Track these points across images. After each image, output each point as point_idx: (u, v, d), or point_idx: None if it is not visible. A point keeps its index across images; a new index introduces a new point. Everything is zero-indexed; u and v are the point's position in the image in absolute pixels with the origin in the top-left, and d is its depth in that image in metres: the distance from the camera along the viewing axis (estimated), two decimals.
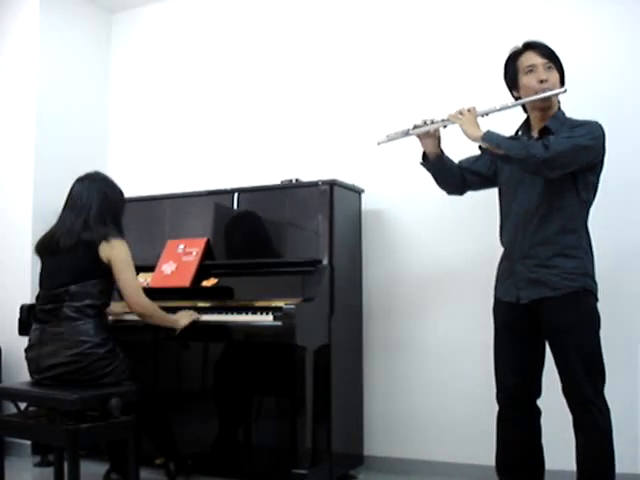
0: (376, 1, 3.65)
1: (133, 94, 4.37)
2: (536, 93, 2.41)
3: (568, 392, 2.35)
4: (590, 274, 2.39)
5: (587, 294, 2.36)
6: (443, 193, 2.79)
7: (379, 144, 2.73)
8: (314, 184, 3.24)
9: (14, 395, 2.90)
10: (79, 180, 2.93)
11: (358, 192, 3.46)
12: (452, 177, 2.69)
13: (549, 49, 2.47)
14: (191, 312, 3.01)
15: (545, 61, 2.44)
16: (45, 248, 2.86)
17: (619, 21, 3.13)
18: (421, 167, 2.72)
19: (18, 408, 3.22)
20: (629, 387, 2.96)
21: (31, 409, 2.89)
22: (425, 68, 3.50)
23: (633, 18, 3.11)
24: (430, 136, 2.62)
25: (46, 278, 2.83)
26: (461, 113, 2.50)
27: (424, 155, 2.69)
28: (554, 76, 2.44)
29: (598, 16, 3.17)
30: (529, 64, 2.45)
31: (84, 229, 2.75)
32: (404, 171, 3.42)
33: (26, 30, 4.02)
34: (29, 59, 4.00)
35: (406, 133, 2.64)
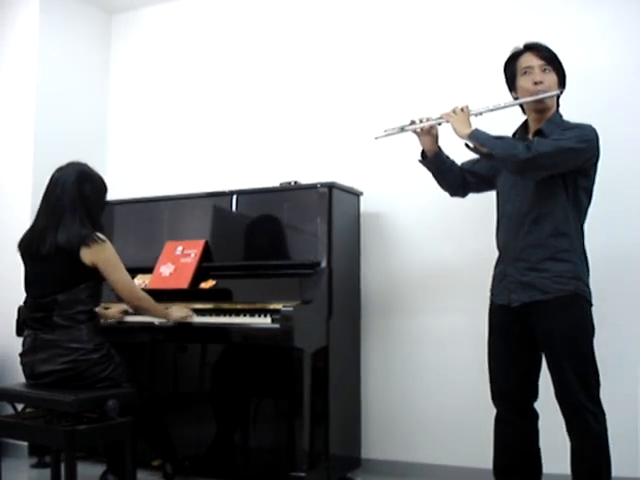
0: (372, 5, 3.66)
1: (132, 95, 4.37)
2: (530, 95, 2.42)
3: (561, 397, 2.34)
4: (582, 278, 2.37)
5: (579, 299, 2.34)
6: (441, 196, 2.80)
7: (377, 139, 2.76)
8: (313, 186, 3.24)
9: (11, 396, 2.90)
10: (58, 169, 2.84)
11: (357, 194, 3.47)
12: (451, 176, 2.71)
13: (548, 51, 2.47)
14: (187, 310, 3.00)
15: (542, 63, 2.43)
16: (26, 251, 2.79)
17: (619, 22, 3.15)
18: (420, 168, 2.74)
19: (15, 409, 3.23)
20: (629, 391, 2.96)
21: (28, 410, 2.88)
22: (422, 71, 3.51)
23: (633, 19, 3.12)
24: (427, 134, 2.66)
25: (32, 285, 2.78)
26: (454, 112, 2.54)
27: (423, 153, 2.72)
28: (550, 78, 2.43)
29: (598, 17, 3.18)
30: (526, 65, 2.45)
31: (59, 231, 2.66)
32: (403, 174, 3.43)
33: (26, 31, 4.02)
34: (28, 60, 4.00)
35: (402, 129, 2.69)
